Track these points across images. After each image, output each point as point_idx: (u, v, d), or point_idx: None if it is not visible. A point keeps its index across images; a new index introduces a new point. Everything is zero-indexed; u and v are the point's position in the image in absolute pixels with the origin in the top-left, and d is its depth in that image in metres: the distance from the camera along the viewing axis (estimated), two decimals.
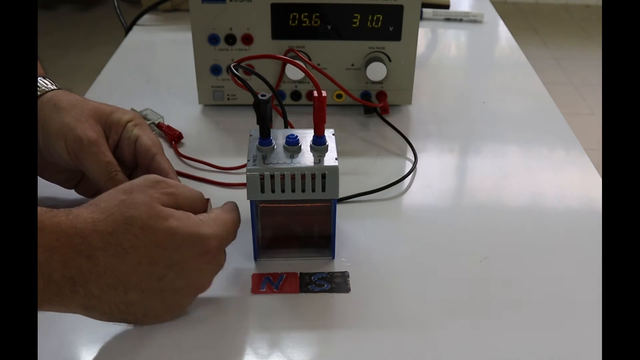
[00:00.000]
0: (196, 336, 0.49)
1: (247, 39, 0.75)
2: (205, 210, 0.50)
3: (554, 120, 0.80)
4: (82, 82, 1.02)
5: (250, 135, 0.54)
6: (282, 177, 0.51)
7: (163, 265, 0.45)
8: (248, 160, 0.51)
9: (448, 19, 1.10)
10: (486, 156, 0.73)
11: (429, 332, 0.50)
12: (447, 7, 1.12)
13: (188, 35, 0.75)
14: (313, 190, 0.52)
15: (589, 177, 0.69)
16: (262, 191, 0.51)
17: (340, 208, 0.61)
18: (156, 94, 0.84)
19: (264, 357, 0.47)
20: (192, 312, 0.50)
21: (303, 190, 0.51)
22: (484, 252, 0.57)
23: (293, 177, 0.51)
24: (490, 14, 1.13)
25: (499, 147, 0.74)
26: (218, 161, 0.69)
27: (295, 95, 0.78)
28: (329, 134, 0.54)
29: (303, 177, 0.51)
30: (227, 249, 0.50)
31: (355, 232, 0.59)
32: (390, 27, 0.74)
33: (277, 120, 0.72)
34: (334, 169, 0.51)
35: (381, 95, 0.78)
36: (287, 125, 0.57)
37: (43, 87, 0.57)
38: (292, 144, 0.52)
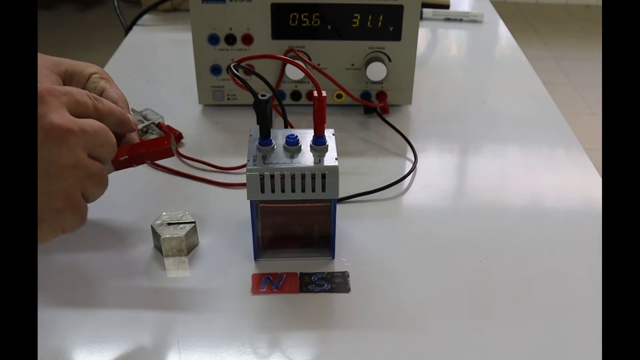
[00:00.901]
0: (196, 336, 0.49)
1: (247, 39, 0.75)
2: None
3: (554, 120, 0.80)
4: None
5: (250, 135, 0.54)
6: (282, 177, 0.51)
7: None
8: (248, 160, 0.51)
9: (448, 19, 1.10)
10: (486, 156, 0.73)
11: (429, 332, 0.50)
12: (447, 7, 1.12)
13: (188, 35, 0.75)
14: (313, 190, 0.52)
15: (589, 177, 0.69)
16: (262, 191, 0.51)
17: (340, 208, 0.61)
18: (156, 94, 0.84)
19: (264, 357, 0.47)
20: (192, 311, 0.51)
21: (303, 190, 0.51)
22: (484, 252, 0.57)
23: (293, 177, 0.51)
24: (490, 14, 1.13)
25: (499, 147, 0.74)
26: (218, 161, 0.69)
27: (295, 95, 0.78)
28: (329, 134, 0.54)
29: (303, 177, 0.51)
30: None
31: (355, 232, 0.59)
32: (390, 27, 0.74)
33: (277, 120, 0.72)
34: (334, 169, 0.51)
35: (381, 95, 0.78)
36: (287, 125, 0.57)
37: None
38: (292, 144, 0.52)
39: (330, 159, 0.52)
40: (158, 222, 0.56)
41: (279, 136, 0.54)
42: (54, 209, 0.47)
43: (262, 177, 0.51)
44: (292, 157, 0.52)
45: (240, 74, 0.52)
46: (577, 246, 0.59)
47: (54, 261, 0.55)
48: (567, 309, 0.52)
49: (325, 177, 0.51)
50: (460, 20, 1.10)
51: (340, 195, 0.57)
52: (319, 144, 0.52)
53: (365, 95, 0.78)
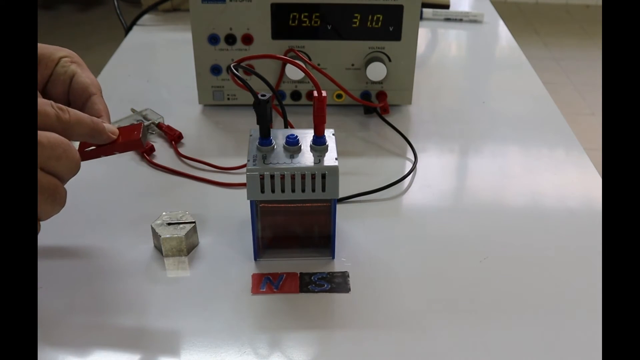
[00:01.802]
0: (196, 336, 0.49)
1: (247, 39, 0.75)
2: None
3: (554, 120, 0.80)
4: None
5: (250, 135, 0.54)
6: (282, 177, 0.51)
7: None
8: (248, 160, 0.51)
9: (448, 19, 1.10)
10: (486, 156, 0.73)
11: (429, 332, 0.50)
12: (447, 7, 1.12)
13: (188, 35, 0.75)
14: (313, 190, 0.52)
15: (589, 177, 0.69)
16: (262, 191, 0.51)
17: (340, 208, 0.61)
18: (156, 94, 0.84)
19: (264, 357, 0.47)
20: (192, 311, 0.51)
21: (303, 190, 0.51)
22: (484, 252, 0.57)
23: (293, 177, 0.51)
24: (490, 14, 1.13)
25: (499, 147, 0.74)
26: (218, 161, 0.69)
27: (295, 95, 0.78)
28: (329, 134, 0.54)
29: (303, 177, 0.51)
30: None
31: (355, 232, 0.59)
32: (390, 27, 0.74)
33: (277, 120, 0.72)
34: (334, 169, 0.51)
35: (381, 95, 0.78)
36: (287, 125, 0.57)
37: None
38: (292, 144, 0.52)
39: (330, 159, 0.52)
40: (158, 222, 0.56)
41: (279, 136, 0.54)
42: None
43: (262, 177, 0.51)
44: (292, 157, 0.52)
45: (240, 74, 0.52)
46: (577, 246, 0.59)
47: (54, 261, 0.55)
48: (567, 309, 0.52)
49: (325, 177, 0.51)
50: (460, 20, 1.10)
51: (340, 195, 0.57)
52: (319, 144, 0.52)
53: (365, 95, 0.78)
